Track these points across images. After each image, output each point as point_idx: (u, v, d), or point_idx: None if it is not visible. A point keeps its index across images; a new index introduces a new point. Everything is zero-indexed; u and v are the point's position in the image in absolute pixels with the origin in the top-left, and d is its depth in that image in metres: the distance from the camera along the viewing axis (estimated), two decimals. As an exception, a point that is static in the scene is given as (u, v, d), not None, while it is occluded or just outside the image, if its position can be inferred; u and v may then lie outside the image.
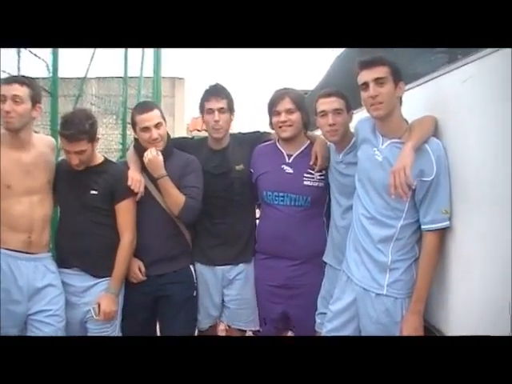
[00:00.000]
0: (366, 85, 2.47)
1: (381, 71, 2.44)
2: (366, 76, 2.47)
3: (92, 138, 2.93)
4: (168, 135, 3.20)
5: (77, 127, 2.85)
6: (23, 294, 2.85)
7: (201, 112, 3.30)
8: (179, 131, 11.63)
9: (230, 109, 3.26)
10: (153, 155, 2.99)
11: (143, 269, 3.13)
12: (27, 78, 2.91)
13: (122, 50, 5.85)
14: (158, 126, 3.07)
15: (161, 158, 3.01)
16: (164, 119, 3.17)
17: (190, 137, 4.40)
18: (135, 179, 3.03)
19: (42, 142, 3.04)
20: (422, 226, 2.44)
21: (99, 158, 3.11)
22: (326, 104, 2.89)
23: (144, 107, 3.18)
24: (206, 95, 3.25)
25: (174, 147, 3.24)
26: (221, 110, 3.19)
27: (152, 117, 3.08)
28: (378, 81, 2.44)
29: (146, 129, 3.07)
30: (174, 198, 3.04)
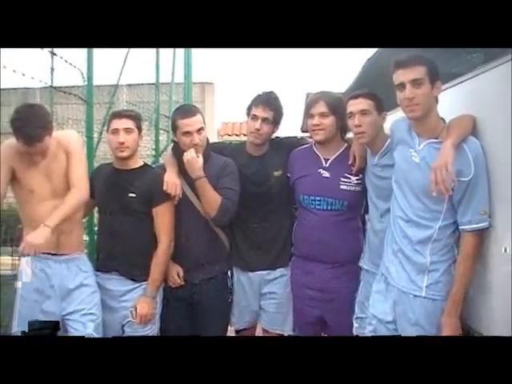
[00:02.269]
0: (402, 85, 2.43)
1: (418, 72, 2.39)
2: (402, 76, 2.42)
3: (138, 125, 3.09)
4: (207, 139, 3.21)
5: (126, 109, 3.23)
6: (56, 293, 2.92)
7: (247, 114, 3.28)
8: (210, 136, 11.65)
9: (276, 121, 3.24)
10: (192, 156, 3.00)
11: (182, 274, 3.15)
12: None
13: (153, 57, 5.90)
14: (199, 131, 3.08)
15: (200, 159, 3.01)
16: (204, 123, 3.18)
17: (226, 142, 4.40)
18: (171, 182, 3.04)
19: (59, 144, 2.95)
20: (460, 227, 2.41)
21: (139, 162, 3.17)
22: (353, 105, 2.87)
23: (187, 112, 3.16)
24: (257, 100, 3.23)
25: (211, 151, 3.25)
26: (265, 120, 3.18)
27: (195, 122, 3.08)
28: (415, 82, 2.39)
29: (188, 133, 3.06)
30: (211, 199, 3.04)
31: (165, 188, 3.02)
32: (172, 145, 3.31)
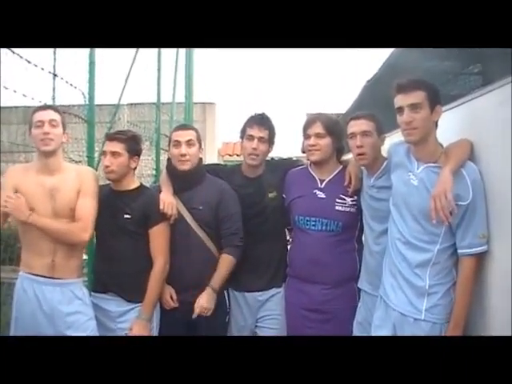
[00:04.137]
0: (401, 109, 2.45)
1: (416, 96, 2.40)
2: (401, 101, 2.45)
3: (132, 148, 3.08)
4: (200, 159, 3.23)
5: (120, 131, 3.27)
6: (48, 319, 2.89)
7: (241, 137, 3.30)
8: (210, 156, 11.71)
9: (270, 140, 3.26)
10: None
11: (175, 296, 3.14)
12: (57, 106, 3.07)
13: (154, 76, 5.94)
14: (189, 143, 3.12)
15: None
16: (200, 143, 3.21)
17: (222, 163, 4.43)
18: (167, 202, 3.05)
19: (73, 169, 3.06)
20: (459, 251, 2.41)
21: (135, 183, 3.17)
22: (355, 126, 2.88)
23: (181, 126, 3.35)
24: (250, 121, 3.26)
25: (207, 173, 3.27)
26: (261, 140, 3.20)
27: (185, 133, 3.15)
28: (414, 106, 2.40)
29: (177, 143, 3.14)
30: (230, 270, 3.14)
31: (161, 207, 3.03)
32: (167, 163, 3.33)
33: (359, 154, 2.88)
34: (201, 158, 3.24)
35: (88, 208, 2.95)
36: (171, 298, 3.13)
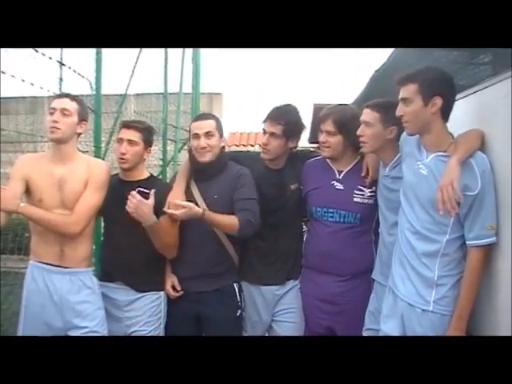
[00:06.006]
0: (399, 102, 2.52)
1: (407, 90, 2.45)
2: (399, 94, 2.50)
3: (147, 138, 3.10)
4: (222, 148, 3.18)
5: (138, 121, 3.30)
6: (58, 308, 2.89)
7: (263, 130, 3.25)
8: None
9: (286, 135, 3.15)
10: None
11: (178, 286, 3.12)
12: (77, 96, 3.02)
13: (161, 67, 5.92)
14: (208, 134, 3.06)
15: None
16: (220, 132, 3.14)
17: (244, 150, 4.39)
18: (172, 204, 2.97)
19: (85, 160, 3.04)
20: (467, 242, 2.39)
21: (145, 174, 3.16)
22: (362, 115, 2.90)
23: (200, 116, 3.21)
24: (267, 115, 3.19)
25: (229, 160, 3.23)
26: (272, 135, 3.13)
27: (203, 125, 3.08)
28: (403, 100, 2.47)
29: (196, 136, 3.08)
30: (227, 225, 2.98)
31: (165, 209, 2.98)
32: (188, 153, 3.27)
33: (360, 143, 2.91)
34: (223, 147, 3.19)
35: (87, 201, 2.92)
36: (174, 288, 3.12)
